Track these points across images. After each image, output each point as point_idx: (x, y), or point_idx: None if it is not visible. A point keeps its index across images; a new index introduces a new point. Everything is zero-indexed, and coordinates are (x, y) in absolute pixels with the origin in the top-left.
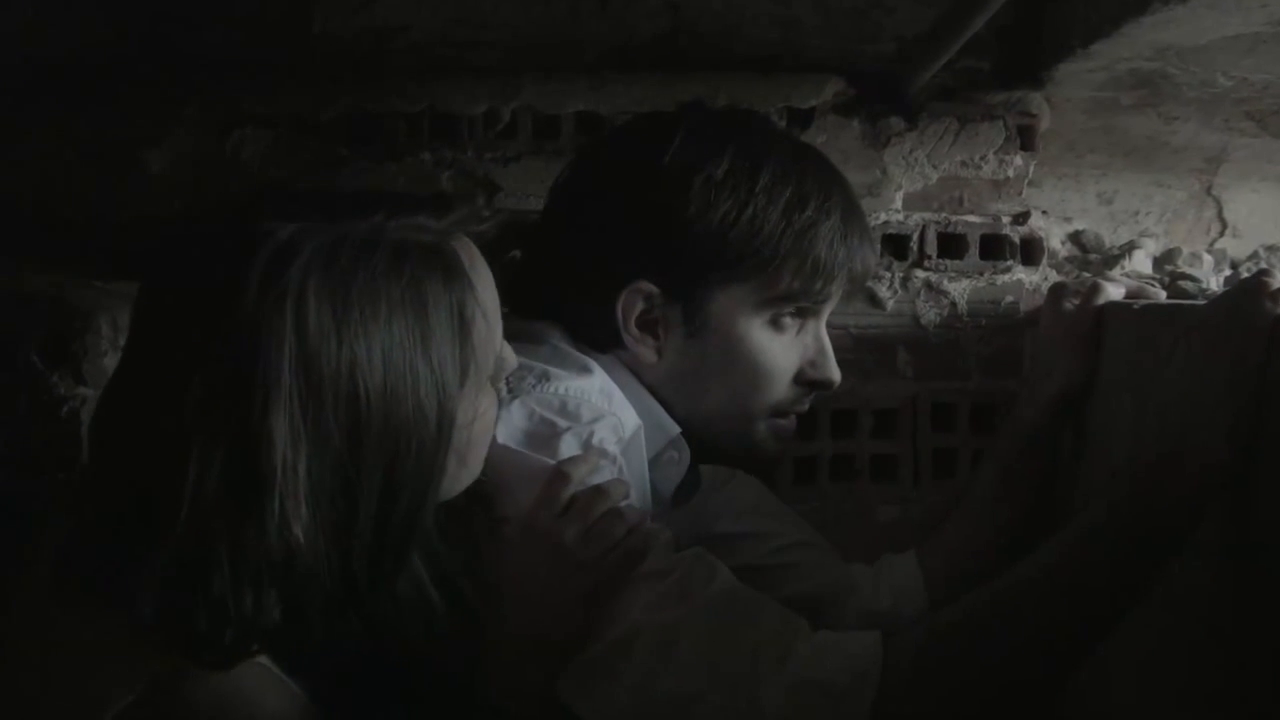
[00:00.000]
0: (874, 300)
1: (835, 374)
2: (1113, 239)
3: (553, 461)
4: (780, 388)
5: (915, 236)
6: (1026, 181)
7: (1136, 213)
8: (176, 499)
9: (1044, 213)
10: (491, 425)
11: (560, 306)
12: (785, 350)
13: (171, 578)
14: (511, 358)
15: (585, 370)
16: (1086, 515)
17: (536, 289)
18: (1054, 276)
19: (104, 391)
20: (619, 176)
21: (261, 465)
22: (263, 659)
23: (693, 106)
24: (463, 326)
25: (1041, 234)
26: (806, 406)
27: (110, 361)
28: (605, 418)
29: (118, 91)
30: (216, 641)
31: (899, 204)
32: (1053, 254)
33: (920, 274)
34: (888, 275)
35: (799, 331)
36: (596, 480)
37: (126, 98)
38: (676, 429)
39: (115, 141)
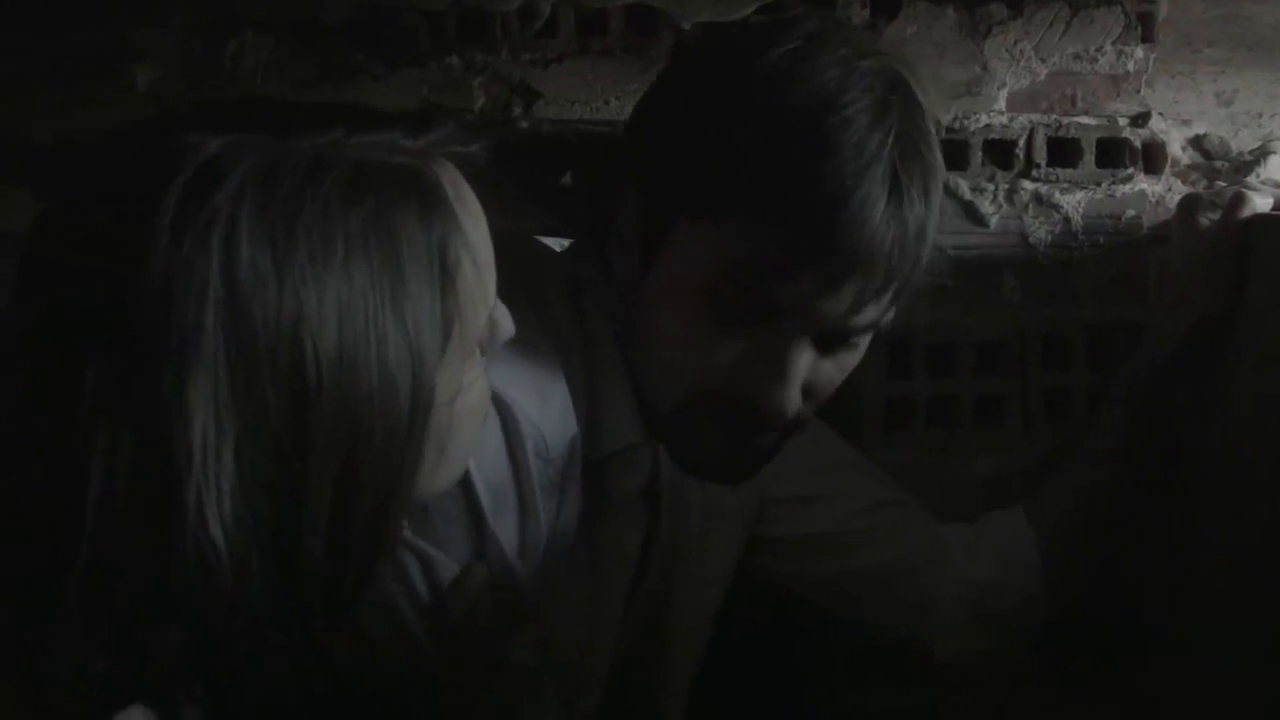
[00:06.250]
0: (975, 216)
1: None
2: (1235, 144)
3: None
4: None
5: (1022, 142)
6: (1145, 78)
7: (1260, 114)
8: (81, 513)
9: (1159, 114)
10: (481, 405)
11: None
12: None
13: (76, 622)
14: (507, 322)
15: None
16: None
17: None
18: (1178, 187)
19: None
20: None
21: (175, 448)
22: None
23: None
24: (445, 274)
25: (1163, 138)
26: None
27: None
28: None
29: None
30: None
31: (1002, 104)
32: (1173, 161)
33: (1028, 185)
34: (990, 187)
35: None
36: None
37: (110, 4)
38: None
39: (98, 56)
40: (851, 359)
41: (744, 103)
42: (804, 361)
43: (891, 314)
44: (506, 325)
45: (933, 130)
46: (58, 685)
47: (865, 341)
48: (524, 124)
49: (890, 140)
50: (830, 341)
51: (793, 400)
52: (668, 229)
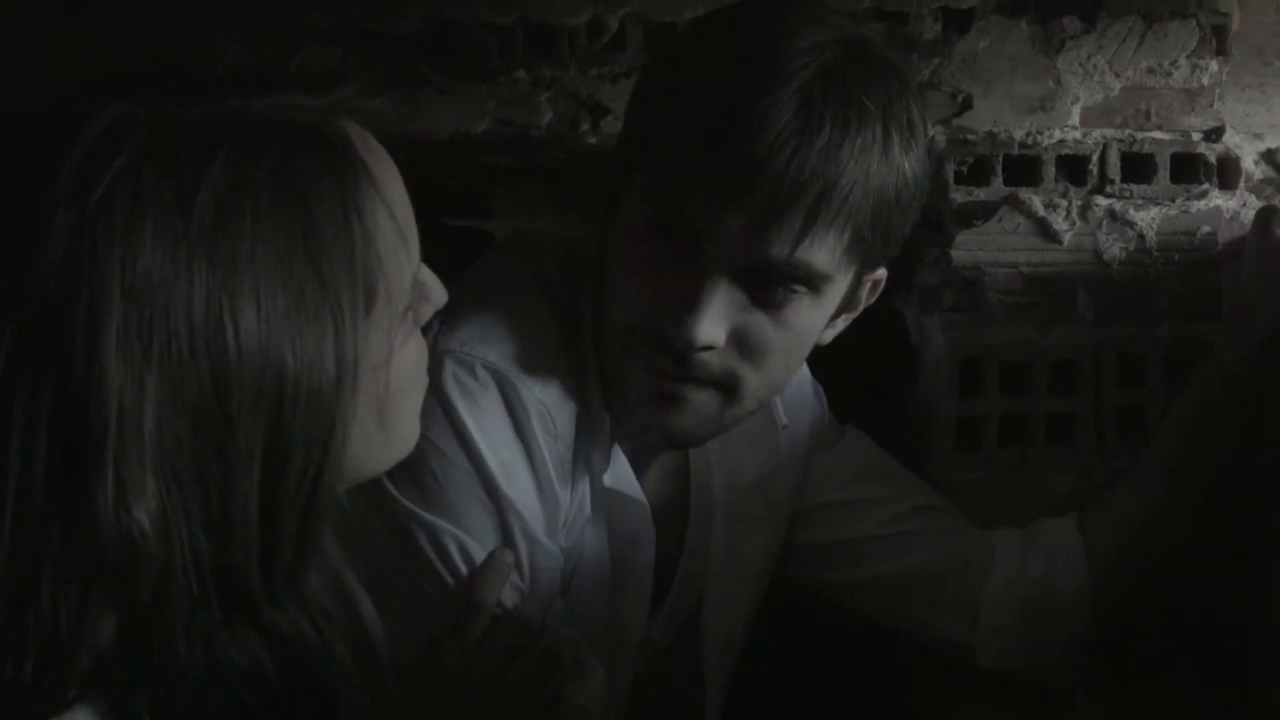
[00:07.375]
0: (1048, 233)
1: None
2: None
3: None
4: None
5: (1095, 157)
6: (1219, 91)
7: None
8: (2, 496)
9: (1231, 128)
10: (418, 369)
11: None
12: None
13: (3, 619)
14: (436, 285)
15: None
16: None
17: None
18: (1252, 202)
19: None
20: None
21: (91, 422)
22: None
23: None
24: (361, 227)
25: (1237, 153)
26: None
27: None
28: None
29: (166, 8)
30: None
31: (1076, 119)
32: (1246, 176)
33: (1102, 201)
34: (1063, 203)
35: None
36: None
37: (175, 16)
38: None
39: (169, 64)
40: (794, 318)
41: (708, 42)
42: (719, 295)
43: (825, 258)
44: (437, 290)
45: (891, 94)
46: None
47: (809, 302)
48: (592, 140)
49: (813, 67)
50: (755, 283)
51: (703, 331)
52: (627, 180)
